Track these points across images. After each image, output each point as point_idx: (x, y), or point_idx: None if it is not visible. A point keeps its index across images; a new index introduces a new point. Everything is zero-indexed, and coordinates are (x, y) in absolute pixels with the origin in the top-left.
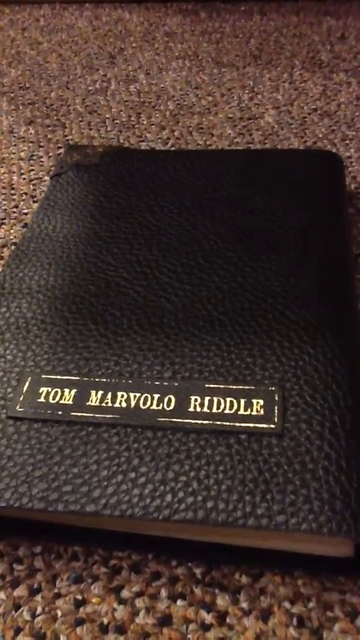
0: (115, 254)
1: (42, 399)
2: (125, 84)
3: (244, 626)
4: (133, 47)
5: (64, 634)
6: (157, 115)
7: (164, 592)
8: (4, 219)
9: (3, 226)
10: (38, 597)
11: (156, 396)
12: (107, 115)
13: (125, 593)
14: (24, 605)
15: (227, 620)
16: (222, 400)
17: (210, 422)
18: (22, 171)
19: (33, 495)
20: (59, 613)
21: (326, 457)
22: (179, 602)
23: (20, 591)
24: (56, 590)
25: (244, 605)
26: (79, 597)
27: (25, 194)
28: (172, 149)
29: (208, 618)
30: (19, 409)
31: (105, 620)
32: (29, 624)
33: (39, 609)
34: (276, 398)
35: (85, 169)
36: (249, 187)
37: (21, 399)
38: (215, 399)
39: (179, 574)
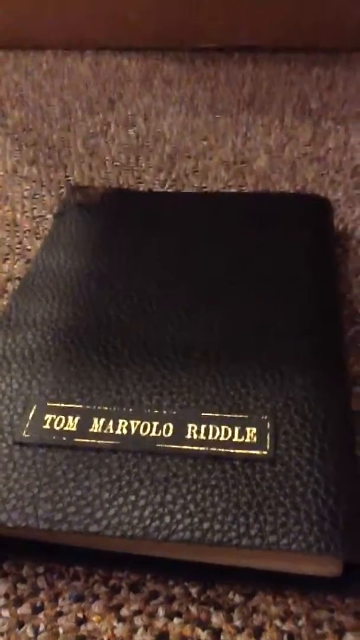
0: (116, 289)
1: (47, 426)
2: (124, 127)
3: None
4: (132, 92)
5: None
6: (154, 158)
7: (161, 611)
8: (8, 254)
9: (7, 261)
10: (41, 615)
11: (155, 424)
12: (107, 157)
13: (124, 611)
14: (27, 622)
15: (222, 637)
16: (217, 428)
17: (206, 448)
18: (25, 209)
19: (39, 515)
20: (61, 630)
21: (315, 481)
22: (176, 620)
23: (24, 609)
24: (58, 609)
25: (238, 623)
26: (80, 615)
27: (29, 231)
28: (169, 190)
29: (203, 635)
30: (25, 435)
31: (105, 638)
32: None
33: (42, 627)
34: (268, 426)
35: (87, 209)
36: (242, 227)
37: (27, 425)
38: (211, 426)
39: (176, 593)
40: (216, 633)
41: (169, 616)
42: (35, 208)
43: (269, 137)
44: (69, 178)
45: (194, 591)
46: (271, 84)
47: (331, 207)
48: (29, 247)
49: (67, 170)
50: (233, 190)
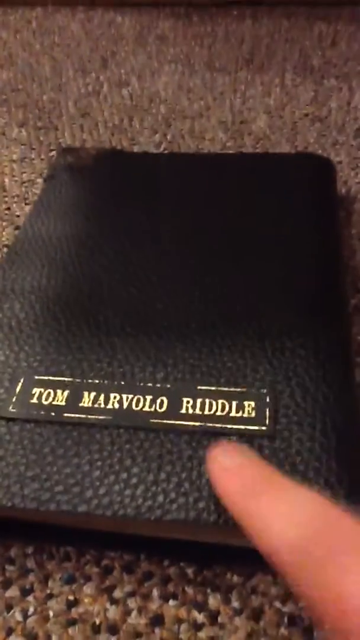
0: (108, 256)
1: (34, 400)
2: (117, 87)
3: (236, 625)
4: (125, 50)
5: (56, 634)
6: (149, 119)
7: (155, 592)
8: None
9: None
10: (30, 598)
11: (148, 398)
12: (100, 119)
13: (117, 593)
14: (16, 605)
15: (219, 619)
16: (213, 402)
17: (202, 423)
18: (14, 173)
19: (25, 495)
20: (51, 613)
21: (317, 458)
22: (171, 602)
23: (12, 592)
24: (48, 591)
25: (236, 604)
26: (71, 597)
27: (18, 196)
28: (165, 152)
29: (200, 617)
30: (12, 410)
31: (98, 621)
32: (21, 624)
33: (31, 610)
34: (267, 400)
35: (79, 171)
36: (241, 190)
37: (14, 399)
38: (207, 400)
39: (171, 574)
40: (213, 615)
41: (164, 598)
42: (24, 172)
43: (268, 97)
44: (60, 140)
45: (190, 572)
46: (271, 41)
47: (334, 167)
48: (17, 213)
49: (58, 133)
50: (231, 151)
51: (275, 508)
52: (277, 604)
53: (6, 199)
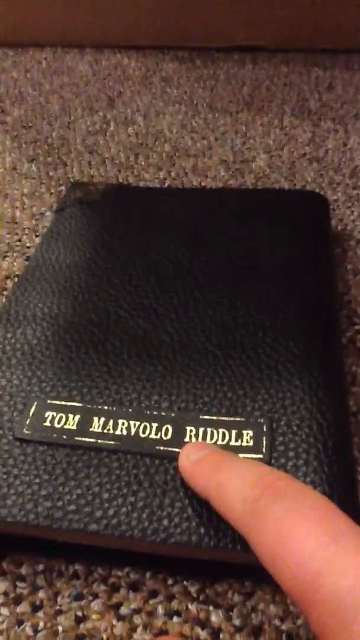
0: (116, 285)
1: (47, 423)
2: (124, 125)
3: None
4: (131, 90)
5: None
6: (154, 156)
7: (160, 609)
8: (7, 252)
9: (6, 259)
10: (40, 613)
11: (154, 425)
12: (107, 155)
13: (123, 610)
14: (27, 621)
15: (221, 636)
16: (214, 431)
17: None
18: (24, 206)
19: (39, 512)
20: (60, 629)
21: (311, 482)
22: (175, 619)
23: (23, 607)
24: (57, 607)
25: (237, 622)
26: (80, 613)
27: (28, 228)
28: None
29: (202, 634)
30: (26, 432)
31: (105, 636)
32: (31, 639)
33: (41, 625)
34: (264, 429)
35: (87, 205)
36: (241, 224)
37: (27, 422)
38: (208, 429)
39: (175, 592)
40: (215, 632)
41: (168, 615)
42: (34, 206)
43: (268, 137)
44: (69, 176)
45: (193, 590)
46: (270, 84)
47: (328, 203)
48: (28, 244)
49: (66, 168)
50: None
51: (229, 482)
52: (276, 622)
53: (17, 231)
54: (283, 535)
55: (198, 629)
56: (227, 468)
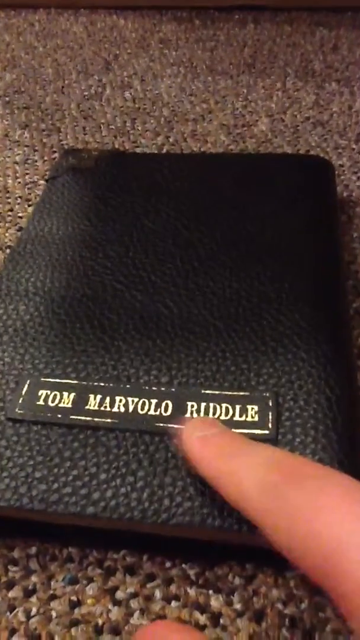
0: (111, 257)
1: (41, 402)
2: (120, 90)
3: (237, 627)
4: (128, 53)
5: (59, 634)
6: (151, 121)
7: (158, 594)
8: None
9: None
10: (33, 599)
11: (154, 401)
12: (102, 121)
13: (119, 594)
14: (19, 606)
15: (221, 621)
16: (217, 406)
17: None
18: (17, 175)
19: (33, 496)
20: (54, 614)
21: (319, 460)
22: (173, 604)
23: (15, 592)
24: (51, 592)
25: (238, 606)
26: (74, 598)
27: (20, 197)
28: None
29: (202, 619)
30: (18, 411)
31: (100, 621)
32: (24, 625)
33: (34, 610)
34: (270, 404)
35: (81, 172)
36: (242, 191)
37: (20, 401)
38: (211, 404)
39: (173, 576)
40: (215, 617)
41: (167, 599)
42: (27, 174)
43: (270, 100)
44: (63, 143)
45: (192, 573)
46: (273, 45)
47: (333, 168)
48: (20, 214)
49: (60, 135)
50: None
51: (243, 468)
52: (279, 606)
53: (9, 200)
54: (310, 519)
55: (197, 614)
56: (240, 454)
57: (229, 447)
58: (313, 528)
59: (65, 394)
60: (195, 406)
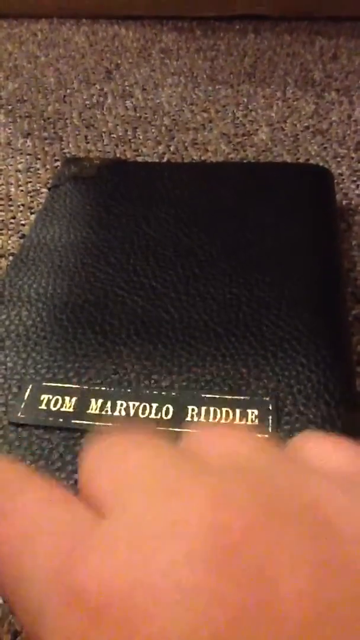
0: (113, 264)
1: (43, 406)
2: (121, 99)
3: None
4: (129, 62)
5: None
6: (153, 130)
7: None
8: (2, 229)
9: (1, 237)
10: None
11: (154, 405)
12: (104, 130)
13: None
14: None
15: None
16: (217, 411)
17: None
18: (19, 183)
19: None
20: None
21: None
22: None
23: None
24: None
25: None
26: None
27: (23, 205)
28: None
29: None
30: (21, 416)
31: None
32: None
33: None
34: (270, 408)
35: (83, 181)
36: (242, 199)
37: (22, 405)
38: (211, 409)
39: None
40: None
41: None
42: (29, 182)
43: (270, 109)
44: (65, 151)
45: None
46: (273, 55)
47: (333, 179)
48: (23, 222)
49: (62, 143)
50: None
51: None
52: None
53: (12, 208)
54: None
55: None
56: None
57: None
58: None
59: (67, 398)
60: (196, 410)
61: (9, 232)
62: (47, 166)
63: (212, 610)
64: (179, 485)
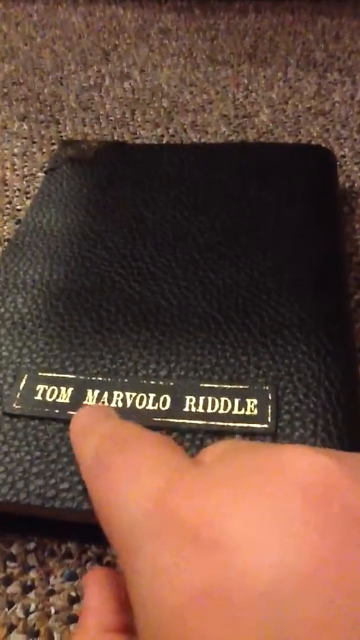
0: (110, 249)
1: (39, 397)
2: (119, 80)
3: None
4: (127, 43)
5: (57, 631)
6: (151, 112)
7: None
8: None
9: None
10: (32, 594)
11: (152, 396)
12: (101, 112)
13: None
14: (17, 602)
15: None
16: (216, 400)
17: (205, 422)
18: (15, 167)
19: (30, 491)
20: (53, 610)
21: None
22: None
23: (14, 588)
24: (50, 587)
25: None
26: (73, 593)
27: (19, 190)
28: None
29: None
30: (16, 406)
31: None
32: (23, 621)
33: (33, 606)
34: (270, 397)
35: (80, 164)
36: (243, 180)
37: (18, 396)
38: (209, 398)
39: None
40: None
41: None
42: (26, 166)
43: (271, 90)
44: (62, 134)
45: None
46: (274, 34)
47: (336, 160)
48: (19, 207)
49: (59, 126)
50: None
51: (90, 440)
52: None
53: (7, 192)
54: (110, 484)
55: None
56: (121, 463)
57: (105, 448)
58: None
59: (63, 389)
60: (194, 400)
61: (5, 218)
62: (44, 150)
63: (313, 537)
64: (270, 450)
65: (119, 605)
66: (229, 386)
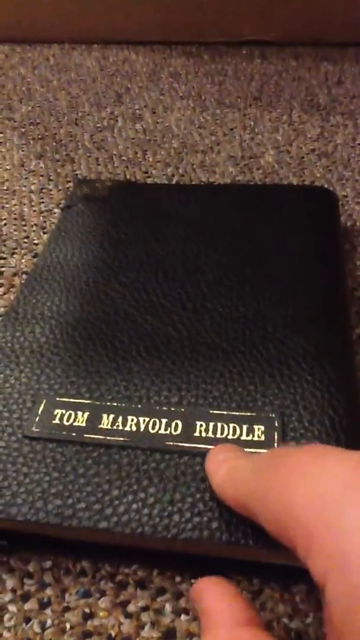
0: (123, 283)
1: (56, 421)
2: (131, 122)
3: None
4: (139, 86)
5: None
6: (162, 152)
7: (168, 607)
8: (16, 248)
9: (14, 255)
10: (48, 611)
11: (164, 421)
12: (114, 152)
13: (131, 607)
14: (34, 618)
15: None
16: (225, 426)
17: (215, 446)
18: (32, 203)
19: (49, 510)
20: (68, 626)
21: None
22: (183, 617)
23: (31, 604)
24: (65, 604)
25: None
26: (87, 610)
27: (36, 225)
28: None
29: None
30: (35, 429)
31: (112, 633)
32: (39, 636)
33: (49, 622)
34: (276, 424)
35: (95, 201)
36: (249, 219)
37: (37, 419)
38: (219, 424)
39: (183, 590)
40: None
41: (176, 612)
42: (42, 202)
43: (276, 132)
44: (77, 172)
45: None
46: (279, 79)
47: (338, 200)
48: (36, 241)
49: (74, 165)
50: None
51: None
52: (285, 620)
53: (25, 227)
54: (285, 491)
55: None
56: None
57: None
58: (293, 503)
59: (80, 413)
60: (204, 426)
61: (23, 252)
62: (60, 187)
63: None
64: None
65: (244, 602)
66: (237, 413)
